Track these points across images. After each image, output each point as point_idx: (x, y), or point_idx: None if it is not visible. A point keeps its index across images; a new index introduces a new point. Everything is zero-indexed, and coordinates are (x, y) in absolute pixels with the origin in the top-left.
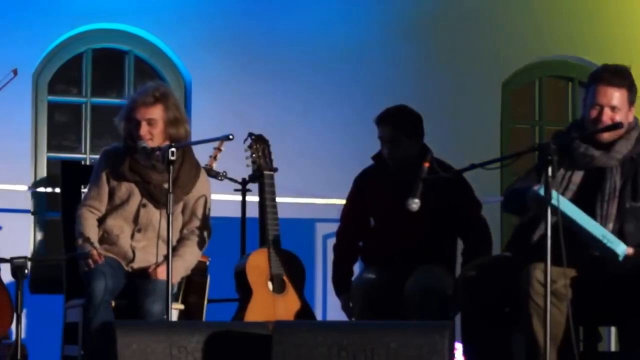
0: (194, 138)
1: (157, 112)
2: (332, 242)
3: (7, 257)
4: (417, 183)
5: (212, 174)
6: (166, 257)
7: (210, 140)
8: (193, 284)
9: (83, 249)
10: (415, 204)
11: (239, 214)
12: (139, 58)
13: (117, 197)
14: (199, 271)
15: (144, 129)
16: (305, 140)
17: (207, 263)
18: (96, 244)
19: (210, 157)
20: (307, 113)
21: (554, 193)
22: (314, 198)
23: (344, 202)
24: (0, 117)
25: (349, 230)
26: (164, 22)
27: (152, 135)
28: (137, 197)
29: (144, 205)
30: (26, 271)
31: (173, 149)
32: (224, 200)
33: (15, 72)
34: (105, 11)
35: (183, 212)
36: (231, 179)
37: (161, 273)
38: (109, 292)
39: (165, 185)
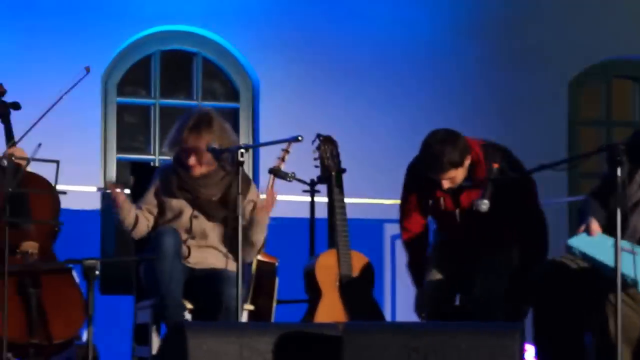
0: (262, 139)
1: (203, 141)
2: (400, 242)
3: (78, 258)
4: (486, 184)
5: (281, 175)
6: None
7: (278, 141)
8: (262, 285)
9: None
10: (484, 204)
11: (307, 215)
12: (207, 60)
13: (169, 211)
14: (268, 272)
15: (192, 160)
16: (373, 140)
17: (276, 264)
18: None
19: (279, 158)
20: (374, 113)
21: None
22: (382, 199)
23: None
24: (71, 119)
25: (411, 220)
26: (232, 24)
27: (201, 162)
28: (188, 210)
29: (196, 217)
30: (97, 272)
31: (242, 150)
32: (292, 201)
33: (87, 69)
34: (174, 13)
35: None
36: (300, 180)
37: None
38: (178, 249)
39: (214, 198)
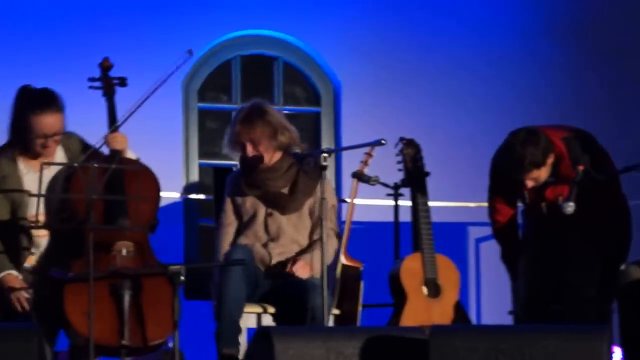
0: (344, 143)
1: (258, 130)
2: (485, 245)
3: (163, 264)
4: (572, 186)
5: (364, 179)
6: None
7: (361, 145)
8: (347, 289)
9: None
10: (570, 207)
11: (391, 219)
12: (288, 64)
13: (245, 213)
14: (353, 277)
15: (250, 150)
16: (456, 142)
17: (361, 268)
18: None
19: (362, 162)
20: (458, 115)
21: None
22: (466, 201)
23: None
24: (152, 125)
25: (499, 212)
26: (313, 28)
27: (260, 152)
28: (262, 209)
29: (270, 215)
30: (182, 278)
31: (325, 154)
32: (376, 205)
33: (190, 52)
34: (254, 18)
35: (311, 216)
36: (383, 184)
37: (301, 268)
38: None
39: (284, 190)
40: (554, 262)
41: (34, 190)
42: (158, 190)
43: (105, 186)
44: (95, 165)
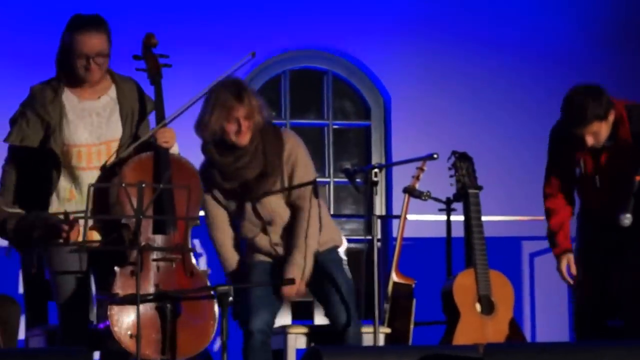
0: (394, 158)
1: (253, 105)
2: (539, 260)
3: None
4: (628, 197)
5: (416, 194)
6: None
7: (413, 160)
8: (399, 307)
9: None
10: (627, 219)
11: (444, 234)
12: (337, 78)
13: (229, 206)
14: (405, 294)
15: (245, 126)
16: (510, 156)
17: (413, 286)
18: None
19: (413, 177)
20: (510, 128)
21: None
22: (519, 215)
23: None
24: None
25: (553, 186)
26: (362, 41)
27: (247, 131)
28: (247, 203)
29: (259, 201)
30: (230, 298)
31: (376, 170)
32: (428, 220)
33: (253, 54)
34: (303, 32)
35: (290, 179)
36: (435, 199)
37: (287, 291)
38: (270, 326)
39: (257, 171)
40: (610, 276)
41: (74, 116)
42: (201, 197)
43: (156, 201)
44: (143, 185)
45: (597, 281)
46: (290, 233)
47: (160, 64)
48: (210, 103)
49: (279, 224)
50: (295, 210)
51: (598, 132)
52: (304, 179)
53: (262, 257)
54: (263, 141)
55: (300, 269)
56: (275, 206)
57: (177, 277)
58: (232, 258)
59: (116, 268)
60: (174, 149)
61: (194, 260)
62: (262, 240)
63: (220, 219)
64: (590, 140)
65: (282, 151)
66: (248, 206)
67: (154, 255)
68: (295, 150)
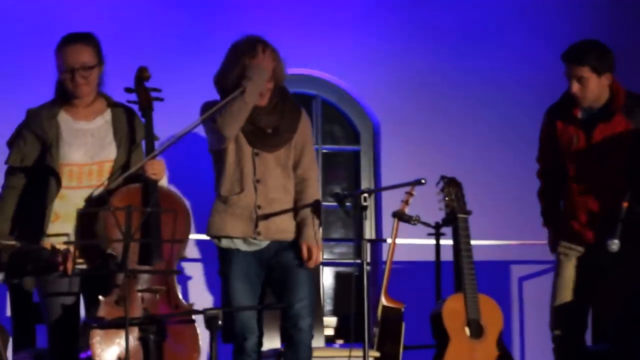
0: (384, 183)
1: (276, 59)
2: (528, 284)
3: (200, 308)
4: (616, 223)
5: (405, 218)
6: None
7: (402, 185)
8: (388, 330)
9: None
10: (615, 244)
11: (433, 259)
12: (327, 103)
13: (229, 150)
14: (394, 318)
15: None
16: (498, 180)
17: (402, 309)
18: None
19: (402, 201)
20: (498, 152)
21: None
22: (508, 240)
23: (539, 242)
24: (191, 162)
25: (549, 172)
26: (351, 67)
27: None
28: (247, 148)
29: (257, 154)
30: (219, 322)
31: (365, 194)
32: (417, 244)
33: (244, 88)
34: (291, 56)
35: (295, 150)
36: (424, 223)
37: (311, 264)
38: (259, 345)
39: (269, 131)
40: (594, 300)
41: (69, 136)
42: (190, 229)
43: (142, 226)
44: (132, 208)
45: (580, 305)
46: (297, 204)
47: (152, 98)
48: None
49: (270, 186)
50: (299, 182)
51: (586, 84)
52: (310, 161)
53: (239, 244)
54: (283, 103)
55: (314, 241)
56: (273, 166)
57: (161, 309)
58: None
59: (101, 297)
60: (163, 182)
61: (179, 293)
62: (246, 198)
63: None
64: (575, 87)
65: (298, 122)
66: (248, 152)
67: (139, 286)
68: (308, 131)
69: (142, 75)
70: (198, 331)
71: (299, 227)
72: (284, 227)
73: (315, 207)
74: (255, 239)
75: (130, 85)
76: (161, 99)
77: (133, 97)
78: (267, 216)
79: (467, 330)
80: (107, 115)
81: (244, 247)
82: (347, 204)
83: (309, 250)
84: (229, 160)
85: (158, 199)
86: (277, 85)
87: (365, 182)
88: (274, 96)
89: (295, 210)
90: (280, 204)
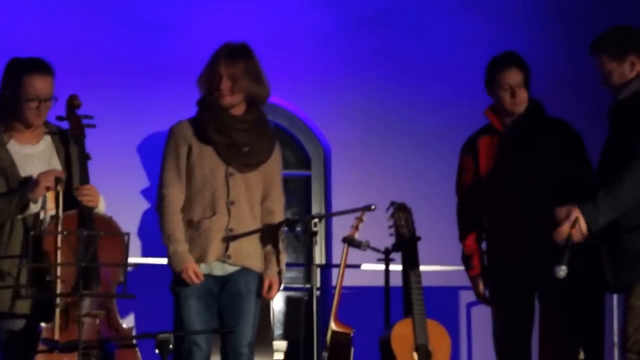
0: (335, 208)
1: (241, 66)
2: (476, 309)
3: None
4: (564, 250)
5: (355, 243)
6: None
7: (352, 210)
8: (337, 355)
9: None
10: (562, 271)
11: (382, 284)
12: (278, 127)
13: (199, 167)
14: (343, 343)
15: (225, 86)
16: (447, 207)
17: (352, 334)
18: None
19: (352, 227)
20: (447, 178)
21: None
22: (457, 265)
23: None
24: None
25: (465, 204)
26: (302, 92)
27: (232, 91)
28: (221, 167)
29: (231, 175)
30: (170, 346)
31: (315, 220)
32: (366, 270)
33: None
34: None
35: (263, 177)
36: (374, 249)
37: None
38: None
39: (245, 150)
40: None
41: (20, 161)
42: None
43: (79, 252)
44: (85, 233)
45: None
46: (263, 236)
47: (84, 125)
48: (215, 55)
49: (241, 209)
50: (266, 214)
51: (518, 89)
52: (279, 196)
53: (214, 267)
54: (260, 126)
55: (276, 277)
56: (244, 189)
57: (102, 333)
58: (183, 244)
59: (42, 324)
60: (100, 207)
61: (119, 318)
62: (218, 221)
63: (175, 190)
64: (505, 96)
65: (272, 149)
66: (221, 173)
67: (78, 311)
68: (279, 164)
69: (73, 103)
70: (138, 355)
71: (265, 261)
72: (253, 254)
73: (281, 240)
74: (224, 262)
75: (62, 114)
76: (93, 126)
77: (65, 125)
78: (236, 238)
79: (415, 355)
80: (48, 137)
81: (216, 271)
82: (298, 228)
83: (270, 285)
84: (197, 185)
85: (93, 225)
86: (254, 100)
87: (316, 207)
88: (249, 110)
89: (263, 239)
90: (250, 229)
